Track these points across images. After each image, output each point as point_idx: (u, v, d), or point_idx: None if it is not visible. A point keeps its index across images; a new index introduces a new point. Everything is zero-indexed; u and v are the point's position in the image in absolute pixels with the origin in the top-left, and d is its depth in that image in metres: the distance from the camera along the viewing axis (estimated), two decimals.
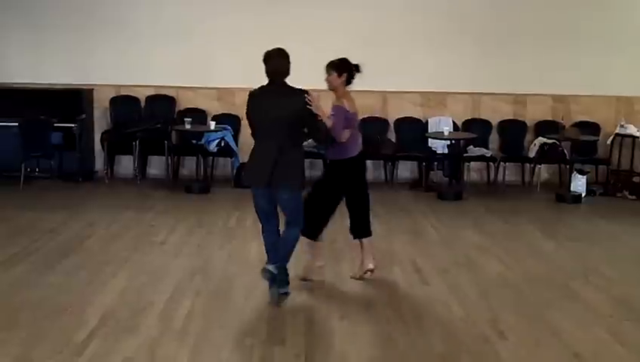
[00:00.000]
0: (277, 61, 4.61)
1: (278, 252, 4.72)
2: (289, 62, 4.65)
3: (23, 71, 8.94)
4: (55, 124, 8.28)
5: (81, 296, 4.75)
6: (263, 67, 9.07)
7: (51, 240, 6.03)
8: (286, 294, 4.72)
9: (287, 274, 4.74)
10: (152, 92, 9.06)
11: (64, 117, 8.38)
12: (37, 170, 8.60)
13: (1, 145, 8.41)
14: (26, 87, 8.80)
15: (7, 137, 8.26)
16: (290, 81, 8.94)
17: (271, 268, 4.66)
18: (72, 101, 8.63)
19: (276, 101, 4.55)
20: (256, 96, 4.66)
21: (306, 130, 4.67)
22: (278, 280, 4.66)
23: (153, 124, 8.60)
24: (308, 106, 4.52)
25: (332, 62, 5.21)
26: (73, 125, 8.46)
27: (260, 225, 4.81)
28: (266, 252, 4.81)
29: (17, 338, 4.04)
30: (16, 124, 8.15)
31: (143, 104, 9.07)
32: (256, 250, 5.97)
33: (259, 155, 4.60)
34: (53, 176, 8.53)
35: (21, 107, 8.49)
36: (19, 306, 4.51)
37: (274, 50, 4.65)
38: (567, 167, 8.53)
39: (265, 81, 4.66)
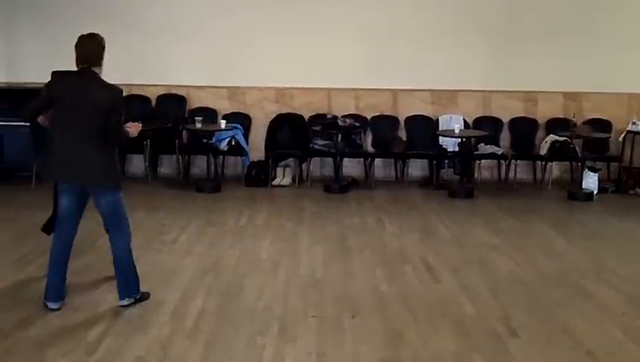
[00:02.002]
0: (88, 47, 4.30)
1: (120, 282, 4.50)
2: (101, 50, 4.33)
3: (35, 71, 8.94)
4: None
5: (92, 295, 4.77)
6: (274, 65, 9.18)
7: None
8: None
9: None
10: (162, 91, 9.09)
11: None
12: None
13: (13, 146, 8.46)
14: (37, 86, 8.73)
15: (19, 137, 8.30)
16: (298, 76, 9.04)
17: (124, 302, 4.50)
18: None
19: (87, 90, 4.24)
20: (63, 79, 4.32)
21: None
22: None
23: (164, 123, 8.63)
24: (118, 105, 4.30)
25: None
26: None
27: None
28: (49, 266, 4.47)
29: (30, 337, 4.07)
30: (28, 124, 8.18)
31: (153, 103, 9.10)
32: (267, 248, 6.00)
33: (66, 147, 4.26)
34: None
35: None
36: (31, 306, 4.52)
37: (86, 35, 4.34)
38: (579, 164, 8.49)
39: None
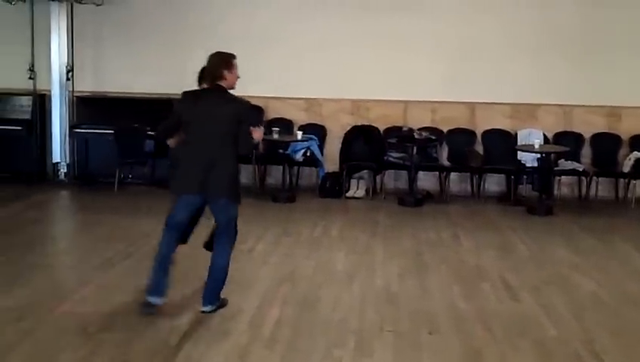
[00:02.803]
0: (210, 64, 4.49)
1: (209, 288, 4.60)
2: (220, 66, 4.46)
3: (119, 81, 9.31)
4: (148, 132, 8.56)
5: (173, 300, 4.86)
6: (350, 78, 9.21)
7: (145, 244, 6.18)
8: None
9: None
10: None
11: (157, 125, 8.64)
12: (130, 176, 8.92)
13: (98, 152, 8.84)
14: (121, 96, 9.17)
15: (104, 144, 8.65)
16: (374, 88, 9.03)
17: (206, 309, 4.59)
18: (165, 110, 8.82)
19: (215, 105, 4.43)
20: (193, 98, 4.51)
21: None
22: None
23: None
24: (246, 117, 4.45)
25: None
26: None
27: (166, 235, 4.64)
28: (154, 267, 4.58)
29: (114, 340, 4.19)
30: (112, 131, 8.51)
31: None
32: (342, 260, 6.01)
33: (197, 161, 4.43)
34: (146, 182, 8.82)
35: (117, 116, 8.85)
36: (114, 309, 4.68)
37: (213, 53, 4.52)
38: None
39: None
